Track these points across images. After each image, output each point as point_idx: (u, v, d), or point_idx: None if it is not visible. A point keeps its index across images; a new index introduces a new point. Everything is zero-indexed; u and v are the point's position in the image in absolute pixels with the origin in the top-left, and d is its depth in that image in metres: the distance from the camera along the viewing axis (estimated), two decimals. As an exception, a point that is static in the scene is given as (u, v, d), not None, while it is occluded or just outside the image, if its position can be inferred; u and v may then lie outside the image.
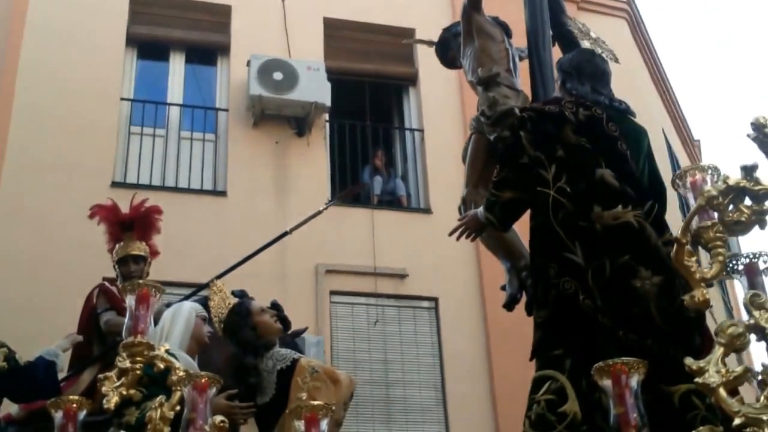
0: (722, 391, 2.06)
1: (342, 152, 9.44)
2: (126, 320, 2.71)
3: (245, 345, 3.94)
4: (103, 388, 2.61)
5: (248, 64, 8.93)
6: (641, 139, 3.56)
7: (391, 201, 9.57)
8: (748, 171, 2.28)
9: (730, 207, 2.30)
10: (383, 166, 9.80)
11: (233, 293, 4.59)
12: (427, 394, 8.26)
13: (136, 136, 8.86)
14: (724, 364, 2.12)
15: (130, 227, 5.43)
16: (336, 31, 9.85)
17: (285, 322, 4.87)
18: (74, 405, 2.56)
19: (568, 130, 3.33)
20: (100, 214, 5.56)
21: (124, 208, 8.57)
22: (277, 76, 8.86)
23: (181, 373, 2.57)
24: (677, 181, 2.58)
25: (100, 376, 2.72)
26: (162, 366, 2.67)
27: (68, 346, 4.83)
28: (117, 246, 5.40)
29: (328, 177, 9.16)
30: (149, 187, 8.51)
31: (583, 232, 3.14)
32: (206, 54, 9.71)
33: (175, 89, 9.39)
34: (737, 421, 1.99)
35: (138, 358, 2.61)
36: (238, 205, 8.56)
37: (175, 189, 8.68)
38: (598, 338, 2.97)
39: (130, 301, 2.69)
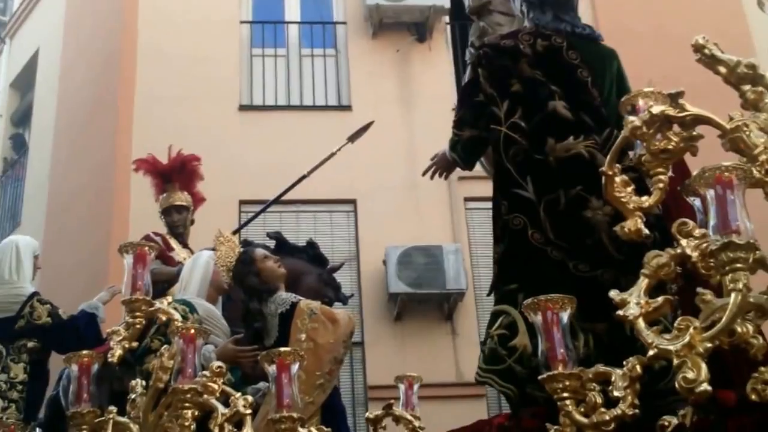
0: (641, 322, 2.06)
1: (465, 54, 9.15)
2: (125, 278, 2.81)
3: (251, 291, 4.06)
4: (111, 342, 2.76)
5: (360, -28, 8.74)
6: (607, 64, 3.48)
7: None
8: (674, 98, 2.22)
9: (657, 136, 2.23)
10: (509, 64, 9.47)
11: (268, 234, 4.71)
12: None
13: (258, 59, 8.89)
14: (647, 296, 2.10)
15: (170, 178, 5.55)
16: (445, -72, 9.46)
17: (320, 259, 4.91)
18: (86, 359, 2.77)
19: (524, 63, 3.33)
20: (142, 167, 5.72)
21: (252, 131, 8.68)
22: (391, -19, 8.63)
23: (179, 324, 2.70)
24: (624, 107, 2.48)
25: (108, 330, 2.87)
26: (163, 318, 2.78)
27: (109, 298, 5.00)
28: (161, 197, 5.58)
29: (453, 81, 8.93)
30: (275, 107, 8.57)
31: (538, 165, 3.18)
32: (318, -32, 9.57)
33: (292, 7, 9.34)
34: (650, 352, 2.02)
35: (137, 314, 2.73)
36: (364, 118, 8.44)
37: (301, 107, 8.70)
38: (549, 272, 3.04)
39: (128, 260, 2.79)
